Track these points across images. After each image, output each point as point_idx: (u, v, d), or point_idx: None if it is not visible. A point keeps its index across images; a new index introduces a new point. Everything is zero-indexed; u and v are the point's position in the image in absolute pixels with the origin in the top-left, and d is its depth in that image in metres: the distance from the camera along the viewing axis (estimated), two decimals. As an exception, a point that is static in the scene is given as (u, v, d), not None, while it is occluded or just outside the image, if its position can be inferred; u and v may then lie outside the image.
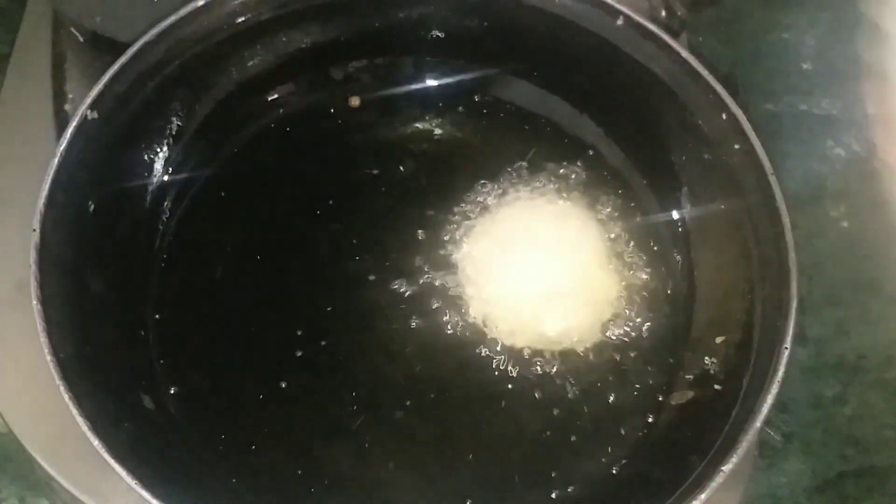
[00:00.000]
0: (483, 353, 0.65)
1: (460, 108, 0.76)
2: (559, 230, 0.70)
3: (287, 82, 0.75)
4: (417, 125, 0.75)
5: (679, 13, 0.74)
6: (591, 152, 0.74)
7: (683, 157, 0.70)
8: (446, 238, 0.69)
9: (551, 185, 0.72)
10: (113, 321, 0.62)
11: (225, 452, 0.61)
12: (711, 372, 0.63)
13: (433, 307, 0.67)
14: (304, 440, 0.62)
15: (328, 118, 0.74)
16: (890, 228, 0.90)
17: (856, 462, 0.79)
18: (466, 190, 0.71)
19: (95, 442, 0.50)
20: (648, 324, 0.67)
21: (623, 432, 0.63)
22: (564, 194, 0.72)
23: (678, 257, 0.70)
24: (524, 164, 0.73)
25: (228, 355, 0.64)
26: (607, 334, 0.66)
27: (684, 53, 0.65)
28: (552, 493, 0.61)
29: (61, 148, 0.57)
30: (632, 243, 0.70)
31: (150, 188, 0.68)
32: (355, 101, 0.75)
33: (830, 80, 0.99)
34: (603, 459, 0.63)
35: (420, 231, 0.70)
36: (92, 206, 0.61)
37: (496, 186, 0.72)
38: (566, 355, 0.65)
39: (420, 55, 0.75)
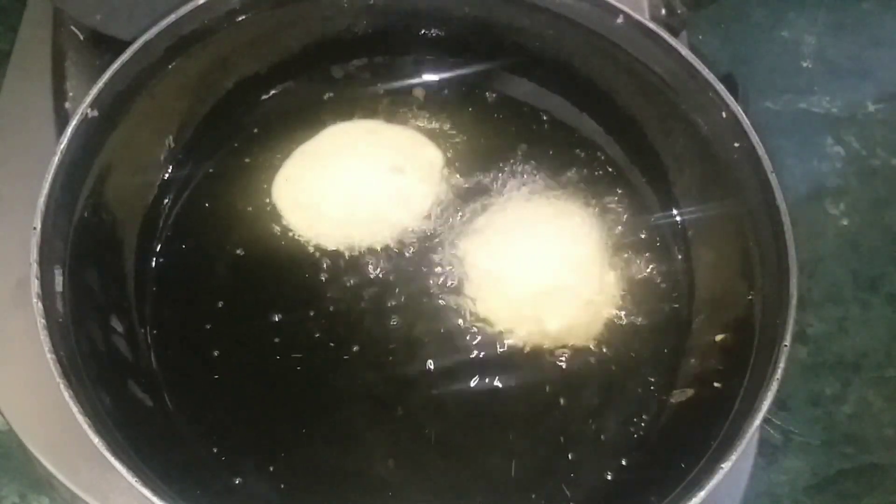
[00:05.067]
0: (483, 351, 0.65)
1: (459, 107, 0.75)
2: (559, 228, 0.70)
3: (288, 80, 0.75)
4: (417, 123, 0.75)
5: (679, 11, 0.74)
6: (590, 150, 0.74)
7: (683, 156, 0.70)
8: (446, 235, 0.69)
9: (551, 184, 0.72)
10: (112, 319, 0.62)
11: (224, 450, 0.61)
12: (711, 370, 0.63)
13: (432, 303, 0.67)
14: (304, 437, 0.62)
15: (329, 116, 0.74)
16: (889, 226, 0.91)
17: (855, 460, 0.79)
18: (466, 187, 0.71)
19: (95, 440, 0.50)
20: (648, 321, 0.67)
21: (623, 430, 0.64)
22: (564, 192, 0.72)
23: (678, 255, 0.70)
24: (524, 161, 0.73)
25: (228, 354, 0.64)
26: (606, 331, 0.66)
27: (684, 52, 0.65)
28: (551, 491, 0.61)
29: (62, 146, 0.57)
30: (631, 241, 0.70)
31: (151, 186, 0.69)
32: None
33: (830, 79, 0.99)
34: (603, 457, 0.63)
35: (420, 228, 0.70)
36: (92, 205, 0.61)
37: (496, 184, 0.72)
38: (566, 353, 0.65)
39: (420, 53, 0.76)
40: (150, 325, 0.65)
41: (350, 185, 0.71)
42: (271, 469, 0.60)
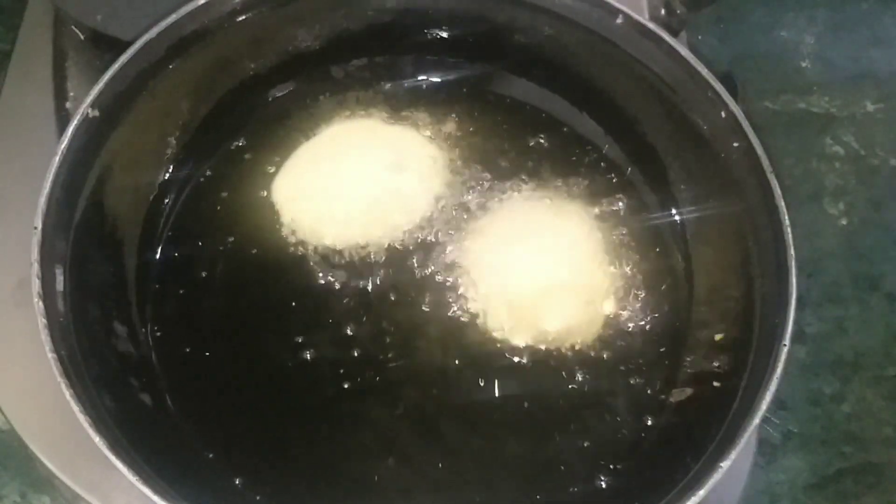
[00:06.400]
0: (482, 350, 0.65)
1: (459, 107, 0.76)
2: (558, 227, 0.70)
3: (288, 80, 0.75)
4: (417, 123, 0.75)
5: (678, 11, 0.74)
6: (589, 150, 0.74)
7: (682, 155, 0.70)
8: (446, 235, 0.70)
9: (551, 184, 0.72)
10: (113, 318, 0.62)
11: (225, 449, 0.61)
12: (710, 369, 0.63)
13: (432, 303, 0.67)
14: (303, 437, 0.62)
15: (329, 116, 0.75)
16: (889, 226, 0.91)
17: (854, 459, 0.79)
18: (466, 187, 0.72)
19: (96, 438, 0.50)
20: (647, 321, 0.67)
21: (622, 429, 0.64)
22: (563, 192, 0.72)
23: (677, 255, 0.70)
24: (523, 161, 0.73)
25: (228, 353, 0.64)
26: (606, 331, 0.67)
27: (683, 52, 0.65)
28: (551, 490, 0.61)
29: (62, 146, 0.57)
30: (631, 241, 0.70)
31: (151, 186, 0.69)
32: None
33: (829, 78, 0.99)
34: (603, 456, 0.63)
35: (420, 228, 0.70)
36: (93, 204, 0.61)
37: (496, 184, 0.72)
38: (565, 352, 0.65)
39: (420, 53, 0.76)
40: (151, 324, 0.65)
41: (350, 185, 0.71)
42: (271, 468, 0.61)
